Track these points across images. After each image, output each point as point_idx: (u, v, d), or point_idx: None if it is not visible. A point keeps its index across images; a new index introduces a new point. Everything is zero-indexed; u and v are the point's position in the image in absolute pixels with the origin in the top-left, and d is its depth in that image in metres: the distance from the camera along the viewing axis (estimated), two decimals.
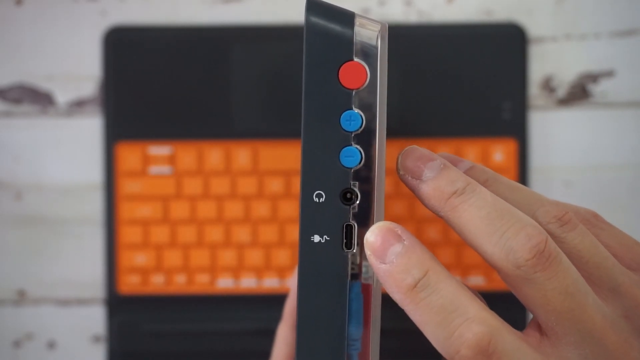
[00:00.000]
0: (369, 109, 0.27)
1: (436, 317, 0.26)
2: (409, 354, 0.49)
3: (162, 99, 0.51)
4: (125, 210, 0.51)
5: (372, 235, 0.27)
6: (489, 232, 0.26)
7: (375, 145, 0.27)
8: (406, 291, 0.26)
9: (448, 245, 0.51)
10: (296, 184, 0.51)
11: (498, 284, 0.50)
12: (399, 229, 0.27)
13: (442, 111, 0.51)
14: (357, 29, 0.27)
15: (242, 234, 0.51)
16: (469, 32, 0.51)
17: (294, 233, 0.51)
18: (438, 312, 0.26)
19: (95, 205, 0.52)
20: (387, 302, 0.28)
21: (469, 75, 0.51)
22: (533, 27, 0.52)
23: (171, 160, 0.51)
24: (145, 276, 0.51)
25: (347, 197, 0.28)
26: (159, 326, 0.51)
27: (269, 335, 0.42)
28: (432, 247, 0.51)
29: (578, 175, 0.52)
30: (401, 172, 0.28)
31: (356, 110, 0.27)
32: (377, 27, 0.27)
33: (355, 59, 0.27)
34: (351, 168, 0.27)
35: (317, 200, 0.27)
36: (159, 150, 0.51)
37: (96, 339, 0.52)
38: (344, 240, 0.28)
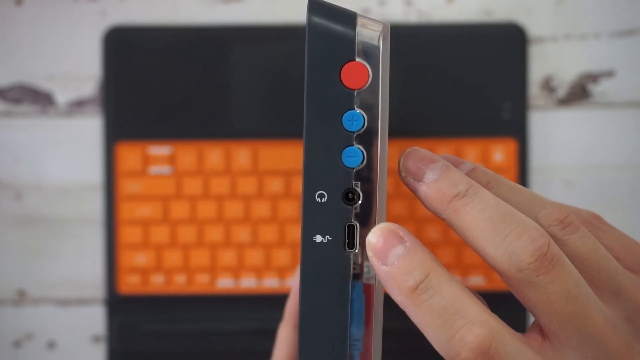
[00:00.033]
0: (370, 109, 0.27)
1: (437, 319, 0.26)
2: (409, 354, 0.49)
3: (162, 99, 0.51)
4: (125, 210, 0.51)
5: (374, 237, 0.27)
6: (491, 235, 0.26)
7: (377, 145, 0.27)
8: (407, 293, 0.26)
9: (448, 245, 0.51)
10: (296, 184, 0.51)
11: (498, 284, 0.50)
12: (400, 230, 0.27)
13: (442, 111, 0.51)
14: (359, 29, 0.27)
15: (242, 234, 0.51)
16: (469, 32, 0.51)
17: (294, 233, 0.51)
18: (439, 314, 0.26)
19: (95, 205, 0.52)
20: (387, 302, 0.28)
21: (469, 75, 0.51)
22: (533, 27, 0.52)
23: (171, 160, 0.51)
24: (145, 276, 0.51)
25: (349, 197, 0.28)
26: (159, 326, 0.51)
27: (269, 335, 0.42)
28: (432, 247, 0.51)
29: (578, 175, 0.52)
30: (403, 174, 0.28)
31: (358, 110, 0.27)
32: (379, 27, 0.27)
33: (357, 59, 0.27)
34: (353, 168, 0.27)
35: (319, 201, 0.27)
36: (159, 150, 0.51)
37: (96, 339, 0.52)
38: (346, 240, 0.28)
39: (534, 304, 0.26)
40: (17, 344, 0.52)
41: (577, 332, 0.26)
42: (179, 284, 0.51)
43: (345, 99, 0.27)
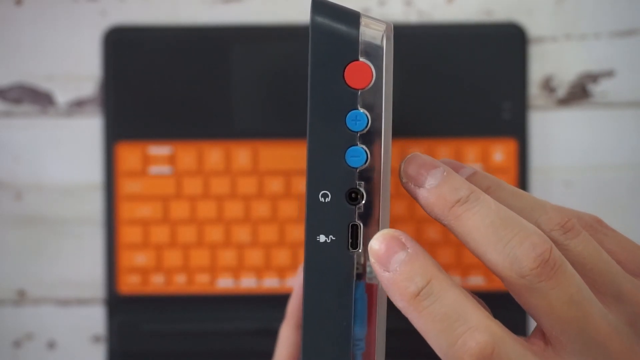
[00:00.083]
0: (374, 108, 0.27)
1: (439, 325, 0.26)
2: (413, 354, 0.49)
3: (162, 99, 0.51)
4: (125, 210, 0.51)
5: (377, 243, 0.27)
6: (493, 241, 0.26)
7: (381, 145, 0.27)
8: (409, 299, 0.26)
9: (448, 245, 0.51)
10: (296, 184, 0.51)
11: (498, 285, 0.50)
12: (403, 236, 0.27)
13: (442, 111, 0.51)
14: (362, 29, 0.27)
15: (242, 234, 0.51)
16: (469, 32, 0.51)
17: (294, 233, 0.51)
18: (441, 321, 0.26)
19: (95, 205, 0.52)
20: (390, 302, 0.28)
21: (469, 75, 0.51)
22: (533, 27, 0.52)
23: (171, 160, 0.51)
24: (145, 276, 0.51)
25: (352, 197, 0.28)
26: (159, 326, 0.51)
27: (269, 335, 0.42)
28: (432, 247, 0.51)
29: (578, 175, 0.52)
30: (404, 180, 0.28)
31: (362, 110, 0.27)
32: (383, 27, 0.27)
33: (361, 59, 0.27)
34: (357, 168, 0.28)
35: (323, 200, 0.27)
36: (159, 150, 0.51)
37: (96, 339, 0.52)
38: (350, 240, 0.28)
39: (536, 310, 0.26)
40: (17, 344, 0.52)
41: (579, 337, 0.26)
42: (179, 284, 0.51)
43: (348, 98, 0.27)
